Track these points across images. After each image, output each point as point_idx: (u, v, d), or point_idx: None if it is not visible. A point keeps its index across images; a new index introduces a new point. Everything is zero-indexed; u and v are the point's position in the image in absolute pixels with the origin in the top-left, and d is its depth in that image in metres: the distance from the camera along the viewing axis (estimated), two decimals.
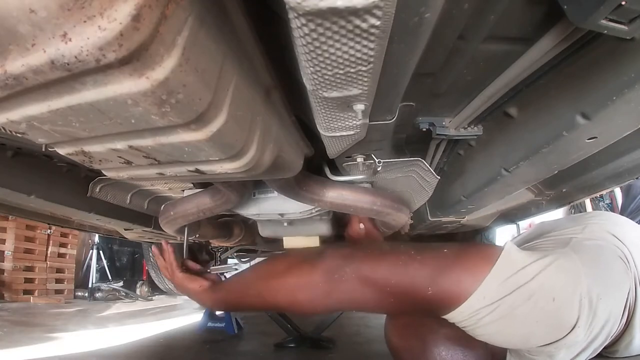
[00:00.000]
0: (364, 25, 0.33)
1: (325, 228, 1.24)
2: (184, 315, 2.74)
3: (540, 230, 0.97)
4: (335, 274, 0.70)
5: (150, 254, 2.94)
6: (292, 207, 1.06)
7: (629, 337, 0.79)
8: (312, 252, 0.79)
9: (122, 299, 4.12)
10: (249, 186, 1.02)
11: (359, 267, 0.69)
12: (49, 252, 3.81)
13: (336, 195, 0.95)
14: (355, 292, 0.69)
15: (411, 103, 0.71)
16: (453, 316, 0.64)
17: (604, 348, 0.75)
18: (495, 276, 0.62)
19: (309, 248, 1.00)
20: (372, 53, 0.38)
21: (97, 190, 1.19)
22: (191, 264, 1.05)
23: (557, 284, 0.63)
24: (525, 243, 0.90)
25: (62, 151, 0.48)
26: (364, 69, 0.40)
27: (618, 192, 3.84)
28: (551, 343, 0.63)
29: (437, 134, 0.79)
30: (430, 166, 0.90)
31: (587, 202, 3.86)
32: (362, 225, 1.16)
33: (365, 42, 0.36)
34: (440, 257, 0.66)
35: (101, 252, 4.54)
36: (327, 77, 0.42)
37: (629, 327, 0.78)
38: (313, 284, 0.71)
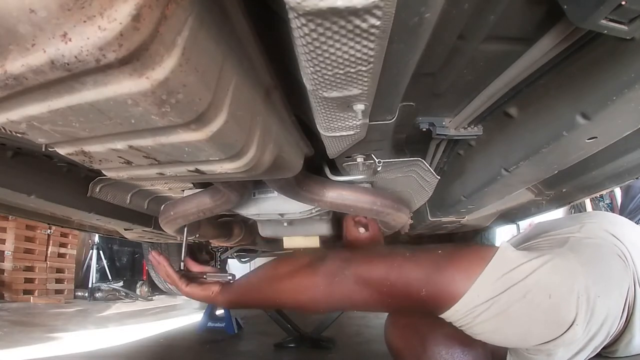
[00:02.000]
0: (364, 25, 0.33)
1: (325, 228, 1.24)
2: (184, 315, 2.74)
3: (538, 230, 0.97)
4: (335, 277, 0.73)
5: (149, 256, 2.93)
6: (292, 207, 1.06)
7: (629, 336, 0.79)
8: (314, 256, 0.82)
9: (122, 299, 4.12)
10: (249, 186, 1.02)
11: (357, 270, 0.72)
12: (49, 252, 3.81)
13: (336, 195, 0.95)
14: (354, 293, 0.71)
15: (411, 103, 0.71)
16: (449, 315, 0.65)
17: (603, 348, 0.75)
18: (489, 274, 0.63)
19: (311, 250, 1.03)
20: (372, 53, 0.38)
21: (97, 190, 1.19)
22: (191, 264, 1.05)
23: (553, 281, 0.63)
24: (522, 243, 0.90)
25: (62, 151, 0.48)
26: (364, 69, 0.40)
27: (618, 192, 3.84)
28: (550, 341, 0.62)
29: (437, 134, 0.79)
30: (430, 166, 0.90)
31: (587, 202, 3.86)
32: (362, 230, 1.16)
33: (365, 42, 0.36)
34: (434, 257, 0.68)
35: (101, 252, 4.54)
36: (327, 77, 0.42)
37: (629, 326, 0.78)
38: (315, 286, 0.75)
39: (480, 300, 0.62)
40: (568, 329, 0.61)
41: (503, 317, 0.61)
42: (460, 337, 0.73)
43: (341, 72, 0.41)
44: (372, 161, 0.81)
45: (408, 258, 0.69)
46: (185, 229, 1.16)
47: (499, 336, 0.65)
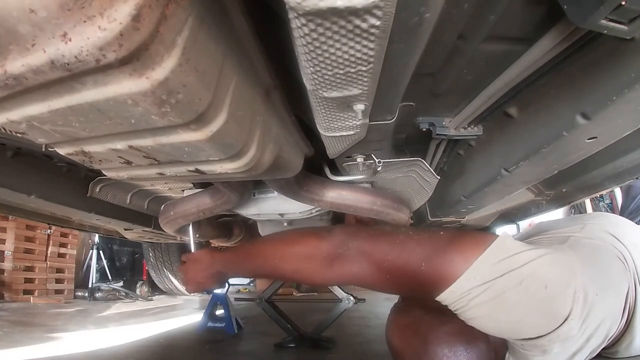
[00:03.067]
0: (364, 25, 0.33)
1: None
2: (184, 315, 2.73)
3: (538, 229, 0.97)
4: (339, 249, 0.74)
5: (150, 254, 2.94)
6: (292, 207, 1.06)
7: (630, 337, 0.78)
8: (320, 228, 0.83)
9: (122, 299, 4.11)
10: (249, 186, 1.02)
11: (361, 244, 0.73)
12: (49, 252, 3.80)
13: (336, 195, 0.95)
14: (355, 267, 0.73)
15: (411, 103, 0.71)
16: (445, 297, 0.65)
17: (604, 349, 0.75)
18: (487, 258, 0.63)
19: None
20: (372, 53, 0.38)
21: (97, 190, 1.19)
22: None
23: (551, 273, 0.63)
24: (523, 240, 0.90)
25: (62, 151, 0.48)
26: (364, 69, 0.40)
27: (618, 192, 3.84)
28: (544, 335, 0.62)
29: (437, 134, 0.79)
30: (430, 166, 0.90)
31: (587, 202, 3.86)
32: None
33: (365, 42, 0.36)
34: (435, 238, 0.69)
35: (101, 252, 4.53)
36: (327, 77, 0.42)
37: (629, 328, 0.78)
38: (318, 255, 0.76)
39: (476, 283, 0.62)
40: (562, 323, 0.61)
41: (497, 302, 0.61)
42: (462, 334, 0.73)
43: (341, 72, 0.41)
44: (372, 161, 0.81)
45: (410, 237, 0.70)
46: (191, 226, 1.16)
47: (492, 322, 0.65)
